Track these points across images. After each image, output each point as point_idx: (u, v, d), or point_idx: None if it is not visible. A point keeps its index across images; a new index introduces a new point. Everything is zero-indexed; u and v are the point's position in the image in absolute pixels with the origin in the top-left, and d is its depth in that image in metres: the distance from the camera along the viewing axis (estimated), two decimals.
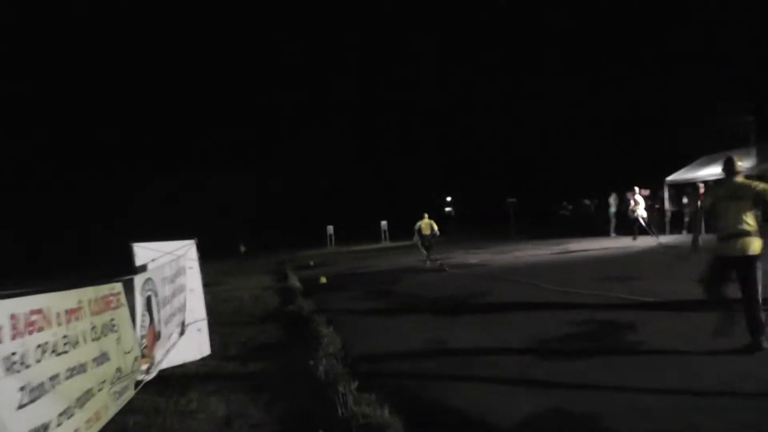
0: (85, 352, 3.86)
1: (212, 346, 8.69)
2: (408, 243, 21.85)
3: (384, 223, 43.57)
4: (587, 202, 37.33)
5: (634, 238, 21.62)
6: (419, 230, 20.16)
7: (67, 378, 3.57)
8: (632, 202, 21.62)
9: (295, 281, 17.05)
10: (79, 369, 3.74)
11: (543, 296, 10.82)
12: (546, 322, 8.44)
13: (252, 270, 24.09)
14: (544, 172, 52.78)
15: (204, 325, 8.60)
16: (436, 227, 20.45)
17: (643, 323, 7.87)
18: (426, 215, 20.75)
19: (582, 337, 7.48)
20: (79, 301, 3.88)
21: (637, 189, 22.00)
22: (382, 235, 43.31)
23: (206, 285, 9.18)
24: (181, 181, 52.28)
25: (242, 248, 36.16)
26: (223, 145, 60.75)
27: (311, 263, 24.77)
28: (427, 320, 9.68)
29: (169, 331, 6.60)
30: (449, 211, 57.37)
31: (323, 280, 17.05)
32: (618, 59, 47.97)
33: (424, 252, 19.97)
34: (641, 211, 21.52)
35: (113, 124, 60.99)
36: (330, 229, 43.50)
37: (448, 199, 57.50)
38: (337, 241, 43.93)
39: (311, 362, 7.06)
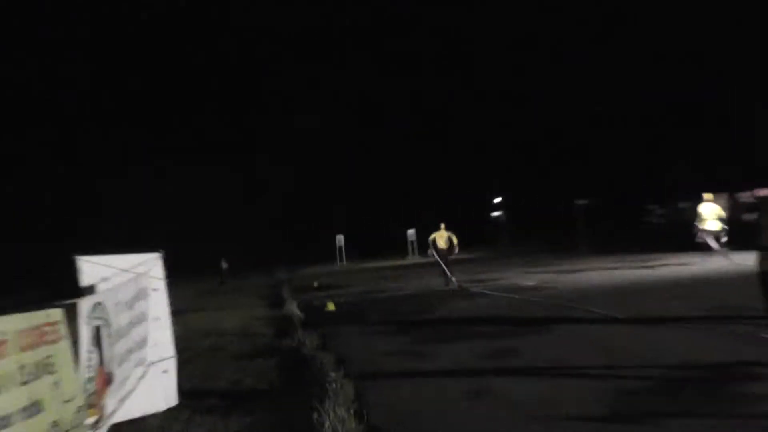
0: (9, 401, 3.72)
1: (182, 392, 8.51)
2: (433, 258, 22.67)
3: (411, 232, 43.15)
4: (683, 206, 36.03)
5: (725, 256, 21.13)
6: (434, 243, 21.42)
7: None
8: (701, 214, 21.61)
9: (293, 308, 16.95)
10: (0, 423, 3.61)
11: (623, 333, 10.44)
12: (635, 371, 8.09)
13: (240, 293, 24.24)
14: (626, 167, 51.77)
15: (172, 366, 8.40)
16: (455, 240, 21.48)
17: None
18: (442, 225, 21.94)
19: (690, 391, 7.14)
20: (2, 333, 3.76)
21: (706, 196, 21.92)
22: (409, 249, 42.92)
23: (177, 312, 9.02)
24: (155, 172, 52.08)
25: (224, 264, 35.91)
26: (208, 133, 60.83)
27: (316, 284, 24.90)
28: (468, 362, 9.39)
29: (124, 372, 6.40)
30: (498, 216, 56.64)
31: (331, 306, 16.98)
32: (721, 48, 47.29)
33: (445, 269, 20.92)
34: (712, 225, 21.37)
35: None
36: (340, 239, 43.03)
37: (497, 200, 56.47)
38: (351, 255, 43.82)
39: (315, 416, 6.87)
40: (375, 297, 18.71)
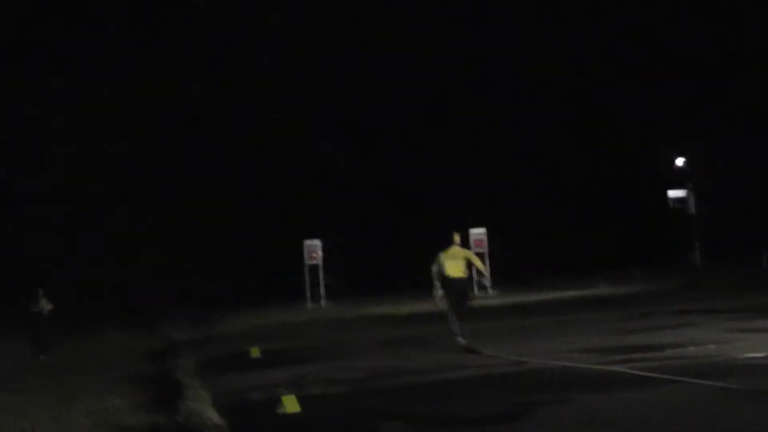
0: None
1: None
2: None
3: (477, 237, 34.02)
4: None
5: None
6: (440, 271, 13.66)
7: None
8: None
9: (204, 409, 8.74)
10: None
11: None
12: None
13: (85, 371, 15.05)
14: None
15: None
16: (477, 262, 14.29)
17: None
18: (457, 237, 14.15)
19: None
20: None
21: None
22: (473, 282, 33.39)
23: None
24: None
25: (41, 306, 21.42)
26: None
27: (256, 353, 16.14)
28: None
29: None
30: (679, 199, 40.51)
31: (286, 404, 8.92)
32: None
33: (452, 318, 13.67)
34: None
35: None
36: (312, 248, 33.49)
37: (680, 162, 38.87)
38: (343, 290, 34.73)
39: None
40: (377, 385, 10.91)
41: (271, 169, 49.70)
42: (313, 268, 34.42)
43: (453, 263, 13.77)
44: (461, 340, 13.49)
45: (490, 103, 50.69)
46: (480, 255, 32.88)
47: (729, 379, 8.61)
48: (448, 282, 13.50)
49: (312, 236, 35.16)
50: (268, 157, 50.01)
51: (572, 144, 49.83)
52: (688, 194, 37.16)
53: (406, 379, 11.10)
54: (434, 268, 13.78)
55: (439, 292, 13.64)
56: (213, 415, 8.15)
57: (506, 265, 34.87)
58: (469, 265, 13.97)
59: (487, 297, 31.48)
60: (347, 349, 16.03)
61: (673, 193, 37.84)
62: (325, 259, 34.55)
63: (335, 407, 9.19)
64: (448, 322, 13.95)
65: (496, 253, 33.75)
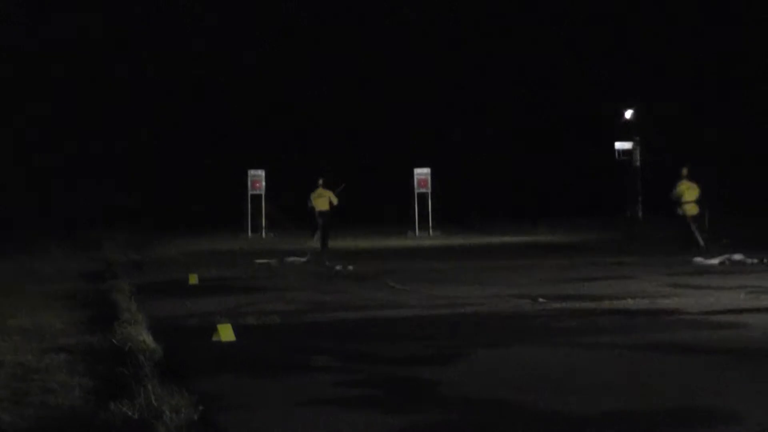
0: None
1: None
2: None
3: (422, 173, 34.34)
4: None
5: None
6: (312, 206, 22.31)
7: None
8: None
9: (140, 333, 8.82)
10: None
11: None
12: None
13: (16, 292, 14.97)
14: None
15: None
16: (335, 199, 22.23)
17: None
18: (321, 181, 22.78)
19: None
20: None
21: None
22: (415, 212, 34.14)
23: None
24: None
25: None
26: None
27: (194, 279, 16.22)
28: None
29: None
30: (625, 157, 38.59)
31: (224, 332, 9.11)
32: None
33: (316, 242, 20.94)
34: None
35: None
36: (255, 177, 33.92)
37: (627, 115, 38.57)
38: (277, 224, 34.68)
39: None
40: (336, 318, 11.10)
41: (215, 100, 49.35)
42: (256, 198, 34.26)
43: (320, 200, 22.08)
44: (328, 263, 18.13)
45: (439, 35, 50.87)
46: (423, 195, 33.46)
47: (661, 334, 8.97)
48: (319, 213, 21.63)
49: (256, 166, 34.93)
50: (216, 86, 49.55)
51: (525, 89, 50.01)
52: (633, 146, 37.86)
53: (341, 314, 11.29)
54: (309, 203, 22.19)
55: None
56: (148, 339, 8.23)
57: (450, 207, 35.26)
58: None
59: (428, 238, 31.84)
60: (284, 281, 16.11)
61: (619, 145, 38.41)
62: (267, 189, 34.37)
63: (269, 338, 9.33)
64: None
65: (439, 195, 34.15)
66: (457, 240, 29.62)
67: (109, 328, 9.40)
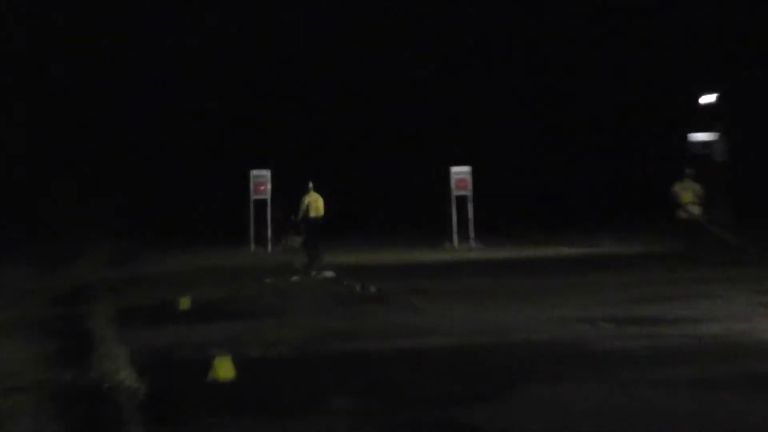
0: None
1: None
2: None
3: (461, 172, 34.79)
4: None
5: None
6: (306, 213, 24.22)
7: None
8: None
9: (121, 366, 9.01)
10: None
11: None
12: None
13: None
14: None
15: None
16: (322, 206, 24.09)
17: None
18: (311, 185, 24.27)
19: None
20: None
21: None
22: (453, 222, 34.33)
23: None
24: None
25: None
26: None
27: (184, 304, 16.33)
28: None
29: None
30: (704, 150, 37.32)
31: (219, 368, 9.18)
32: None
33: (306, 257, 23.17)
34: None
35: None
36: (262, 178, 34.33)
37: (707, 100, 38.67)
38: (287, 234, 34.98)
39: None
40: (339, 350, 11.02)
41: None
42: (261, 204, 34.43)
43: (319, 203, 23.76)
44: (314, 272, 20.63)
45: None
46: (463, 198, 33.54)
47: (754, 367, 8.93)
48: (310, 221, 23.46)
49: (261, 165, 35.07)
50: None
51: (577, 69, 50.13)
52: (715, 138, 36.87)
53: (362, 344, 11.37)
54: (302, 208, 24.09)
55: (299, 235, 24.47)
56: (130, 376, 8.30)
57: (494, 213, 35.30)
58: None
59: (469, 249, 31.92)
60: (292, 304, 16.28)
61: (696, 137, 37.73)
62: (274, 193, 34.53)
63: (275, 374, 9.39)
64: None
65: (482, 198, 34.15)
66: (503, 252, 29.67)
67: (85, 362, 9.50)
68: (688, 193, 23.04)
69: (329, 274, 21.17)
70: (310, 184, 24.27)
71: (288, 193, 36.13)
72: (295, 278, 20.72)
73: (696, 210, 23.18)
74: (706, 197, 23.48)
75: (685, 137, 38.16)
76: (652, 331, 11.33)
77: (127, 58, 50.48)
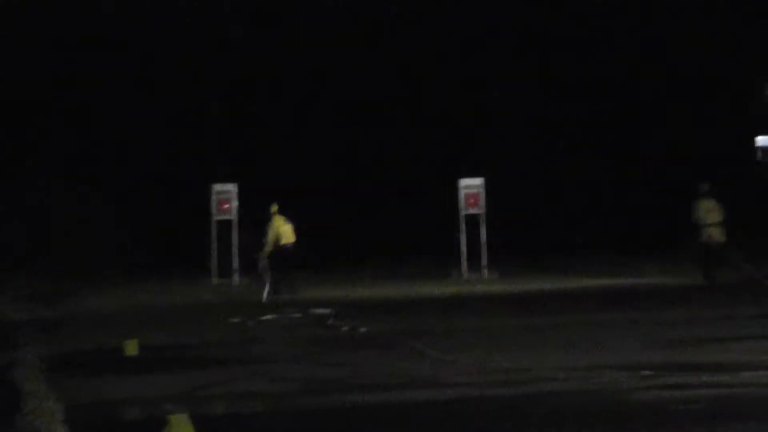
0: None
1: None
2: None
3: (474, 184, 35.03)
4: None
5: None
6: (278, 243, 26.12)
7: None
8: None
9: (53, 426, 9.32)
10: None
11: None
12: None
13: None
14: None
15: None
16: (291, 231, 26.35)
17: None
18: (275, 208, 26.83)
19: None
20: None
21: None
22: (463, 256, 34.66)
23: None
24: None
25: None
26: None
27: (131, 348, 16.50)
28: None
29: None
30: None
31: (175, 428, 9.41)
32: None
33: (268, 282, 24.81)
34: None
35: None
36: (226, 194, 34.17)
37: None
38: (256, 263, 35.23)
39: None
40: (324, 406, 11.34)
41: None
42: (224, 225, 34.68)
43: (286, 228, 25.96)
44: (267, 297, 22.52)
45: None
46: (475, 217, 33.71)
47: None
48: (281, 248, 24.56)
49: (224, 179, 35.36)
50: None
51: (611, 56, 50.77)
52: None
53: (349, 397, 11.61)
54: (271, 236, 25.66)
55: (263, 261, 24.96)
56: None
57: (511, 237, 35.45)
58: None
59: (481, 281, 32.14)
60: (264, 349, 16.72)
61: (763, 140, 36.96)
62: (242, 212, 34.78)
63: None
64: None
65: (498, 217, 34.32)
66: (522, 284, 30.00)
67: (9, 421, 9.61)
68: (713, 214, 24.63)
69: (322, 311, 21.58)
70: (274, 208, 25.93)
71: (260, 212, 36.52)
72: (268, 317, 20.95)
73: (718, 234, 24.82)
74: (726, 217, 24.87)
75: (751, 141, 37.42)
76: (707, 379, 11.52)
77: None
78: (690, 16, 50.89)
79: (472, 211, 33.83)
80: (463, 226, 33.91)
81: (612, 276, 31.08)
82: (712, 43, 48.63)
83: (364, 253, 35.87)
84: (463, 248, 33.64)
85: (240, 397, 11.38)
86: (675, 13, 51.11)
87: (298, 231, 27.41)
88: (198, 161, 44.20)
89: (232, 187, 34.74)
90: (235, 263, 34.45)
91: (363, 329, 18.34)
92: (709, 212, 24.49)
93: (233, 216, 34.36)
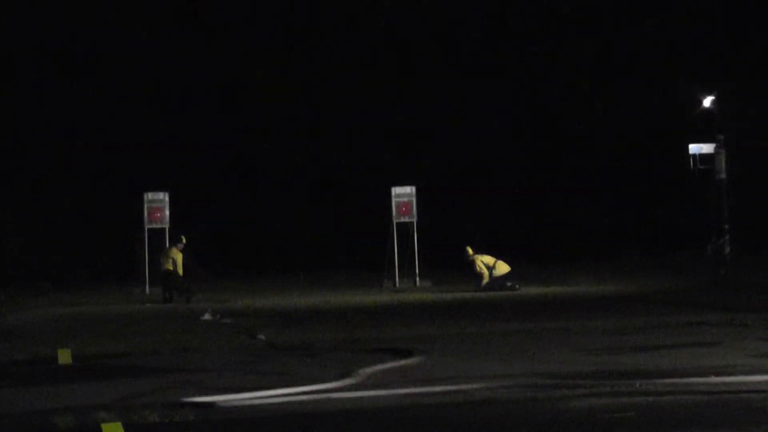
0: None
1: None
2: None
3: (404, 193, 35.01)
4: None
5: None
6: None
7: None
8: None
9: None
10: None
11: None
12: None
13: None
14: None
15: None
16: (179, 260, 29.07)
17: None
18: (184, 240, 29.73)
19: None
20: None
21: None
22: (395, 268, 34.36)
23: None
24: None
25: None
26: None
27: (64, 357, 16.44)
28: None
29: None
30: (704, 165, 37.10)
31: None
32: None
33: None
34: None
35: None
36: (158, 203, 34.25)
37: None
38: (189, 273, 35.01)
39: None
40: (258, 417, 11.38)
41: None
42: (157, 234, 34.50)
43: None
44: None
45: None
46: (406, 226, 33.70)
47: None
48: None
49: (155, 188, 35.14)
50: None
51: (550, 68, 51.10)
52: (716, 150, 34.97)
53: (282, 406, 11.67)
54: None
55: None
56: None
57: (443, 245, 35.50)
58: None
59: (414, 289, 32.18)
60: (199, 359, 16.67)
61: (695, 148, 35.92)
62: (174, 221, 34.60)
63: None
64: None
65: (431, 229, 34.39)
66: (454, 292, 30.03)
67: None
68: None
69: (253, 320, 21.94)
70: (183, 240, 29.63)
71: (193, 221, 36.42)
72: (200, 325, 21.04)
73: None
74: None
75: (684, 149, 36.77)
76: (643, 386, 11.69)
77: None
78: (631, 28, 51.55)
79: (405, 219, 33.74)
80: (395, 235, 33.88)
81: (544, 284, 31.26)
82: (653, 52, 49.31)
83: (299, 262, 35.88)
84: (395, 256, 33.59)
85: (173, 405, 11.27)
86: (617, 20, 51.64)
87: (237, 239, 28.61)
88: (128, 167, 44.04)
89: (163, 195, 34.43)
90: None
91: (288, 339, 18.47)
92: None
93: (165, 224, 34.05)
